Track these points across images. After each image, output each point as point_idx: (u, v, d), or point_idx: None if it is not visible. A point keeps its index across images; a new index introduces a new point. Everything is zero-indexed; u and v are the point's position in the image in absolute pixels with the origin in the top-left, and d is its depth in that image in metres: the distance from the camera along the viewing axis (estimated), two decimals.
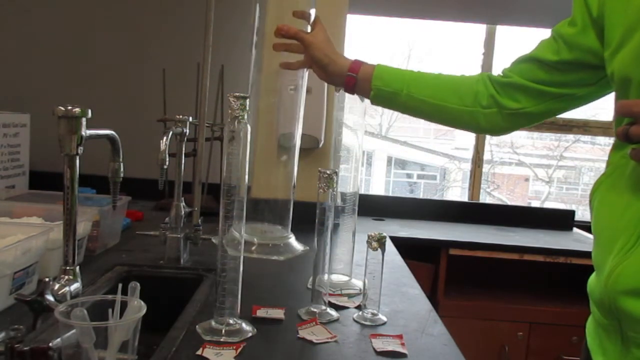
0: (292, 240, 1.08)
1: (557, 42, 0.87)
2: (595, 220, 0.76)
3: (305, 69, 1.08)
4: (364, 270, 0.95)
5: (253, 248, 1.00)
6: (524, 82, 0.92)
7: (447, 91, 0.97)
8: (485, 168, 2.48)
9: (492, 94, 0.95)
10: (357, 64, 1.00)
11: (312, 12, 1.07)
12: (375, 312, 0.95)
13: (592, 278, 0.78)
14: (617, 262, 0.67)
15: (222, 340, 0.81)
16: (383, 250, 0.93)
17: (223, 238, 0.81)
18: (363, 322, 0.94)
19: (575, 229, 2.33)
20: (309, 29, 1.06)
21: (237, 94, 0.80)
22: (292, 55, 1.06)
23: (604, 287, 0.68)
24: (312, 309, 0.95)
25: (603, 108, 2.55)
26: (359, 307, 1.01)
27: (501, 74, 0.97)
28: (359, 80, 0.99)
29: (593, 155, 4.63)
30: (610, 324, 0.70)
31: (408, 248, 1.75)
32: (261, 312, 0.93)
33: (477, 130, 1.02)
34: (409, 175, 6.76)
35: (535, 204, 4.48)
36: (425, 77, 0.99)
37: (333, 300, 1.03)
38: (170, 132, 1.17)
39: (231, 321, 0.84)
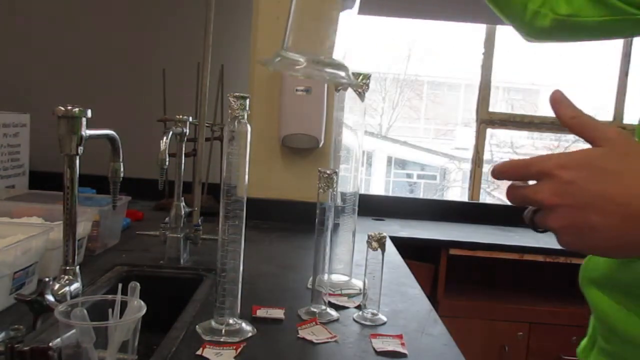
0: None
1: None
2: None
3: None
4: (364, 270, 0.94)
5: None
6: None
7: None
8: (485, 168, 2.48)
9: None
10: None
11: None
12: (375, 312, 0.95)
13: None
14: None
15: (222, 340, 0.81)
16: (383, 250, 0.93)
17: (222, 245, 0.81)
18: (363, 322, 0.94)
19: None
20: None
21: (237, 94, 0.80)
22: None
23: (580, 277, 0.68)
24: (312, 309, 0.95)
25: (602, 108, 2.55)
26: (359, 307, 1.01)
27: None
28: None
29: None
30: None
31: (408, 248, 1.75)
32: (261, 312, 0.93)
33: (520, 25, 0.93)
34: (409, 175, 6.76)
35: None
36: None
37: (333, 300, 1.03)
38: (170, 132, 1.17)
39: (231, 321, 0.84)
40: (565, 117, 0.51)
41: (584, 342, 0.71)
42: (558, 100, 0.51)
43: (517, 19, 0.92)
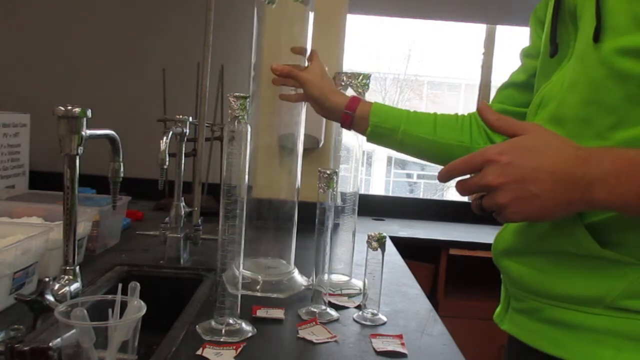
0: (296, 274, 1.09)
1: (523, 61, 0.90)
2: None
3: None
4: (364, 270, 0.95)
5: (257, 287, 1.02)
6: (504, 107, 0.92)
7: (443, 128, 0.98)
8: None
9: (485, 128, 0.97)
10: (355, 101, 1.01)
11: (309, 46, 1.08)
12: (375, 312, 0.95)
13: None
14: (501, 230, 0.78)
15: (222, 340, 0.81)
16: (383, 250, 0.93)
17: (222, 245, 0.81)
18: (363, 322, 0.94)
19: None
20: (305, 63, 1.06)
21: (237, 94, 0.80)
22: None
23: (492, 253, 0.80)
24: (312, 309, 0.95)
25: None
26: (359, 307, 1.01)
27: None
28: (356, 118, 1.00)
29: None
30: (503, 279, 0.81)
31: (408, 248, 1.75)
32: (261, 312, 0.93)
33: None
34: (409, 175, 6.77)
35: None
36: (421, 115, 1.00)
37: (333, 300, 1.03)
38: (170, 132, 1.17)
39: (231, 321, 0.84)
40: (491, 119, 0.64)
41: (498, 309, 0.83)
42: (484, 109, 0.65)
43: None
